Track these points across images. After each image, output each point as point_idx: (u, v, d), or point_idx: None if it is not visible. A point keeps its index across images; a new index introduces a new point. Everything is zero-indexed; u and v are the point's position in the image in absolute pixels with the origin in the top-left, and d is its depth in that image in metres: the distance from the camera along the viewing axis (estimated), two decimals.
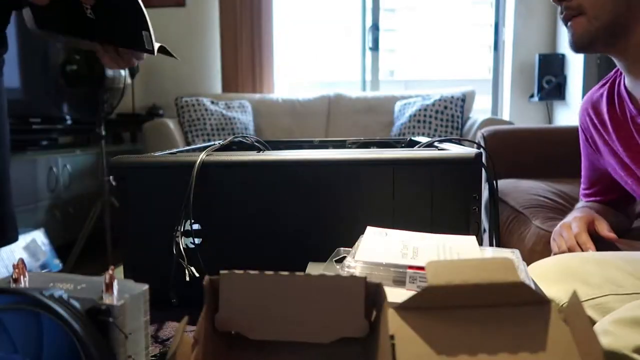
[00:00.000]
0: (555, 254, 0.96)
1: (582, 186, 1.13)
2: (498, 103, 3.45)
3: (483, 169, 0.63)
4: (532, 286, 0.37)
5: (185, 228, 0.59)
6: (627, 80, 0.92)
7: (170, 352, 0.29)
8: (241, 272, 0.32)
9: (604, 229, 0.93)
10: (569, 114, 3.00)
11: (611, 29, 0.84)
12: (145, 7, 0.71)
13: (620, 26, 0.84)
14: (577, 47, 0.88)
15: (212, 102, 3.00)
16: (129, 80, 2.91)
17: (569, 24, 0.87)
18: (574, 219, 0.95)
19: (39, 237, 2.01)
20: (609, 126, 0.97)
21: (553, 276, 0.80)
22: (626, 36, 0.84)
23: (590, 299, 0.75)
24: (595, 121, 1.02)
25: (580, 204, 1.10)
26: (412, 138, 0.96)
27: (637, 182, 0.93)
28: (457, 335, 0.29)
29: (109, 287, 0.36)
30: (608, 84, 0.98)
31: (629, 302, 0.73)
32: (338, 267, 0.52)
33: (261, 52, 3.35)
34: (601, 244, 0.92)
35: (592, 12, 0.84)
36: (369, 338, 0.32)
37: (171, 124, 2.87)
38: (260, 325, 0.32)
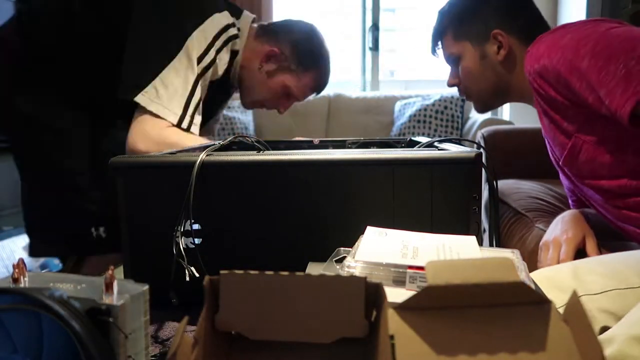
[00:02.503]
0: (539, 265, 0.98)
1: (569, 199, 1.15)
2: None
3: (483, 169, 0.63)
4: (532, 286, 0.37)
5: (185, 228, 0.59)
6: None
7: (171, 352, 0.29)
8: (241, 272, 0.32)
9: (592, 251, 0.94)
10: None
11: (496, 94, 1.07)
12: None
13: (501, 88, 1.06)
14: (479, 112, 1.17)
15: None
16: None
17: (466, 101, 1.18)
18: (565, 240, 0.96)
19: None
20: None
21: None
22: (510, 93, 1.06)
23: (578, 297, 0.76)
24: None
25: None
26: (412, 138, 0.96)
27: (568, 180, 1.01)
28: (456, 335, 0.29)
29: (109, 287, 0.36)
30: None
31: (600, 301, 0.77)
32: (338, 267, 0.52)
33: None
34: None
35: (474, 94, 1.10)
36: (369, 338, 0.32)
37: None
38: (261, 326, 0.32)
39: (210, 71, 1.07)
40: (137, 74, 1.01)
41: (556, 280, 0.82)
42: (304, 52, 1.21)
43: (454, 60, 1.09)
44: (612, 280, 0.78)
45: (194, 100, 1.03)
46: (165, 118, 0.99)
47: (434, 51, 1.14)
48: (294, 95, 1.25)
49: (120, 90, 1.01)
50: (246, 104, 1.30)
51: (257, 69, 1.20)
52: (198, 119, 1.05)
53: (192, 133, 1.03)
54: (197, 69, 1.03)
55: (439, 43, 1.11)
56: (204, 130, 1.32)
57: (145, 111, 0.99)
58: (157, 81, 0.99)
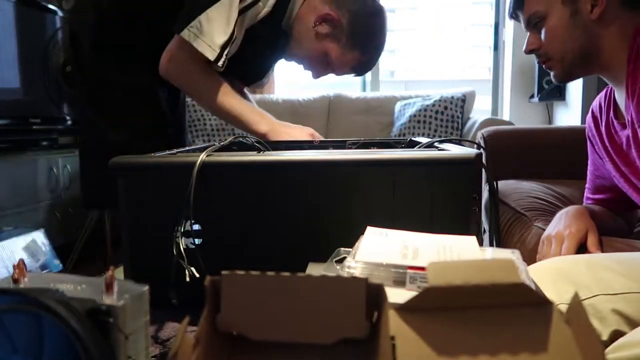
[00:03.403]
0: (540, 259, 0.96)
1: (586, 190, 1.13)
2: (498, 103, 3.45)
3: (483, 169, 0.63)
4: (533, 287, 0.37)
5: (186, 228, 0.59)
6: (616, 94, 0.95)
7: (172, 352, 0.28)
8: (243, 272, 0.32)
9: (593, 246, 0.93)
10: (569, 114, 3.00)
11: (581, 59, 0.93)
12: None
13: (588, 54, 0.92)
14: (559, 82, 0.99)
15: None
16: None
17: (544, 66, 0.98)
18: (568, 235, 0.94)
19: (39, 237, 2.01)
20: (605, 136, 0.98)
21: (545, 278, 0.80)
22: (598, 59, 0.92)
23: (580, 300, 0.74)
24: (594, 130, 1.03)
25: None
26: (412, 138, 0.96)
27: (634, 189, 0.94)
28: (457, 336, 0.29)
29: (109, 287, 0.36)
30: (608, 92, 0.99)
31: (617, 302, 0.74)
32: (338, 267, 0.52)
33: None
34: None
35: (558, 56, 0.95)
36: (369, 339, 0.32)
37: None
38: (262, 326, 0.32)
39: (250, 12, 1.07)
40: (187, 9, 1.06)
41: (571, 275, 0.79)
42: (359, 29, 1.17)
43: (536, 20, 0.96)
44: (634, 282, 0.75)
45: (232, 41, 1.07)
46: (204, 53, 1.04)
47: (513, 13, 1.00)
48: (333, 66, 1.23)
49: (175, 26, 1.07)
50: (286, 56, 1.29)
51: (310, 27, 1.18)
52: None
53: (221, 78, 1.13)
54: (237, 7, 1.05)
55: (522, 1, 0.99)
56: (256, 85, 1.45)
57: (187, 42, 1.05)
58: (202, 17, 1.03)
